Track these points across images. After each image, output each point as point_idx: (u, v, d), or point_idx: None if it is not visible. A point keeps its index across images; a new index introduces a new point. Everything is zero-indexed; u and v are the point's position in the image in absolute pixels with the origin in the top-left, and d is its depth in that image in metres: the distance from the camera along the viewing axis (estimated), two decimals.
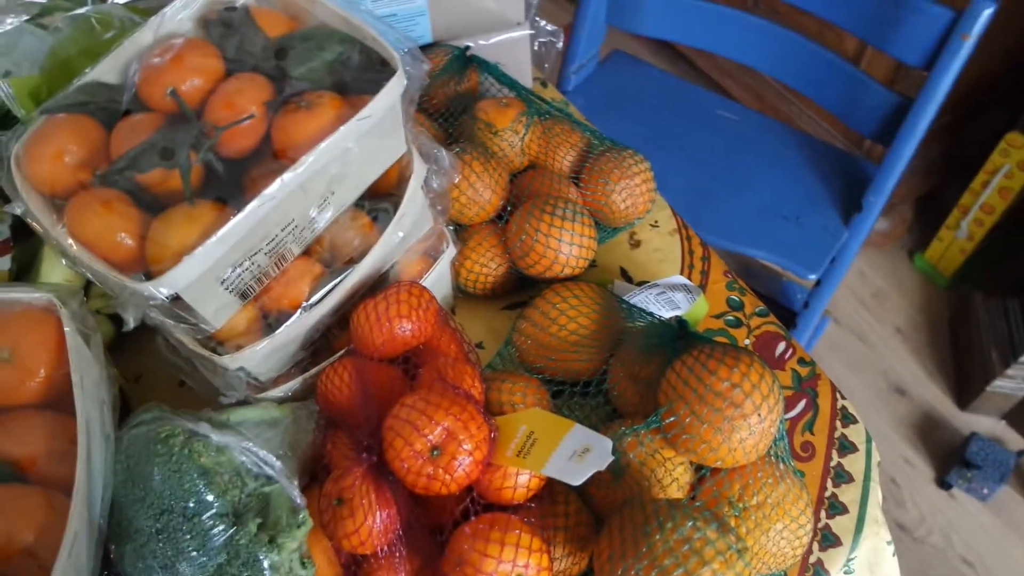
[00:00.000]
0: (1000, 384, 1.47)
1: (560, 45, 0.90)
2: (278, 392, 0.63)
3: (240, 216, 0.50)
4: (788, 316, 1.28)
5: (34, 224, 0.51)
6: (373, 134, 0.56)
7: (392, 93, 0.54)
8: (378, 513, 0.53)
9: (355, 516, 0.53)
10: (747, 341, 0.76)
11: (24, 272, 0.70)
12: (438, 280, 0.72)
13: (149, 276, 0.49)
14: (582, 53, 1.28)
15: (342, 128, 0.52)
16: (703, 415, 0.55)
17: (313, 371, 0.64)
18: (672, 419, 0.57)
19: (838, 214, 1.16)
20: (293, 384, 0.64)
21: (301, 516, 0.55)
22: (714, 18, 1.18)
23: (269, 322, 0.60)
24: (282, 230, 0.55)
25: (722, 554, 0.49)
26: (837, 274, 1.16)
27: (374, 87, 0.54)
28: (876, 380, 1.64)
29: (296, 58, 0.54)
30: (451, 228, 0.73)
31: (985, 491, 1.43)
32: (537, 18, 0.89)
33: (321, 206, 0.57)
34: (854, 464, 0.68)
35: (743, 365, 0.57)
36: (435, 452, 0.53)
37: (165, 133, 0.52)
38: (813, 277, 1.12)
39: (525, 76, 0.93)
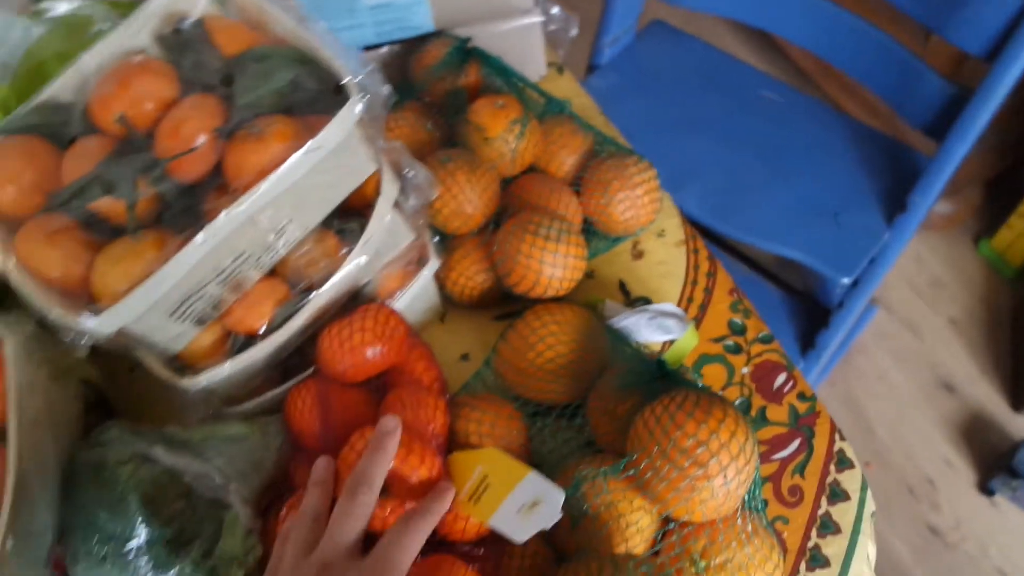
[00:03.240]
0: None
1: (573, 33, 0.84)
2: (248, 406, 0.63)
3: (181, 254, 0.49)
4: (823, 314, 1.21)
5: None
6: (330, 160, 0.53)
7: (345, 121, 0.51)
8: None
9: None
10: (745, 370, 0.71)
11: None
12: (420, 293, 0.70)
13: (95, 312, 0.49)
14: (617, 23, 1.21)
15: (289, 161, 0.50)
16: (663, 472, 0.53)
17: (281, 389, 0.63)
18: (632, 472, 0.54)
19: (881, 212, 1.08)
20: (262, 399, 0.63)
21: (250, 542, 0.55)
22: None
23: (235, 344, 0.60)
24: (233, 261, 0.53)
25: None
26: (876, 275, 1.09)
27: (332, 109, 0.52)
28: (923, 374, 1.55)
29: (247, 82, 0.51)
30: (436, 239, 0.70)
31: None
32: (550, 3, 0.83)
33: (280, 232, 0.55)
34: (844, 515, 0.64)
35: (713, 420, 0.53)
36: (383, 492, 0.52)
37: (111, 162, 0.50)
38: (847, 281, 1.05)
39: (536, 66, 0.88)
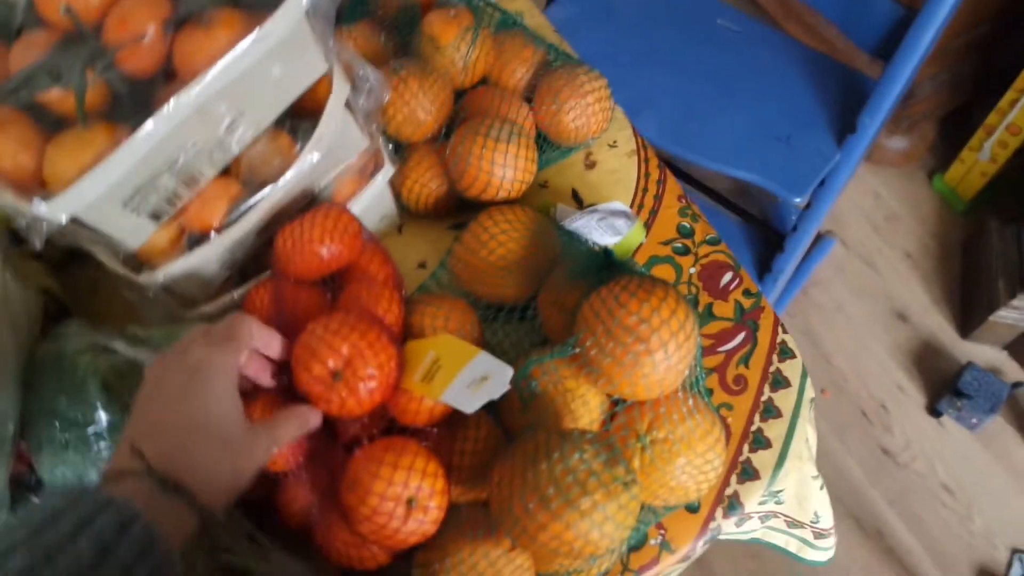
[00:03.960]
0: (1004, 314, 1.43)
1: None
2: (206, 309, 0.65)
3: (131, 140, 0.49)
4: (779, 240, 1.24)
5: None
6: (280, 53, 0.54)
7: (292, 11, 0.52)
8: None
9: None
10: (692, 269, 0.74)
11: None
12: (376, 199, 0.71)
13: (45, 197, 0.50)
14: None
15: (238, 48, 0.51)
16: (608, 349, 0.55)
17: (240, 291, 0.65)
18: (578, 350, 0.57)
19: (832, 134, 1.10)
20: (222, 301, 0.65)
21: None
22: None
23: (190, 242, 0.61)
24: (185, 153, 0.54)
25: (605, 486, 0.50)
26: (827, 198, 1.12)
27: (280, 3, 0.52)
28: (879, 305, 1.60)
29: None
30: (391, 146, 0.72)
31: (974, 420, 1.41)
32: None
33: (231, 127, 0.56)
34: (784, 400, 0.68)
35: (655, 299, 0.55)
36: (336, 377, 0.54)
37: (57, 52, 0.51)
38: (799, 200, 1.08)
39: None
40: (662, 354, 0.55)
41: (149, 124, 0.50)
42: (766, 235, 1.30)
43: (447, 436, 0.59)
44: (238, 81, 0.53)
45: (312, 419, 0.53)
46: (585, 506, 0.49)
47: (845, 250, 1.67)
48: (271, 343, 0.55)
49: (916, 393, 1.51)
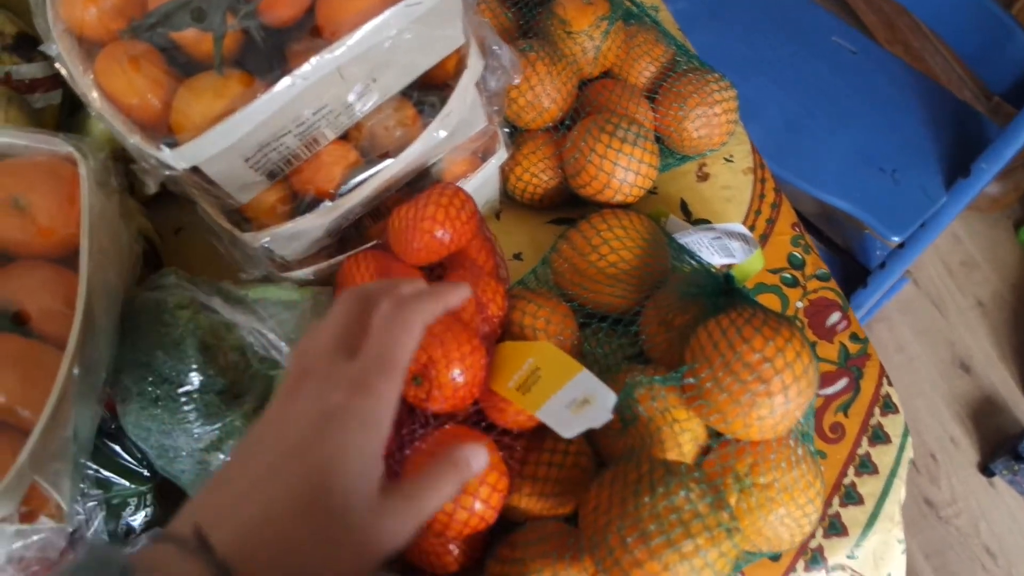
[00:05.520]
0: None
1: None
2: (301, 273, 0.62)
3: (267, 95, 0.47)
4: (861, 273, 1.19)
5: (62, 69, 0.49)
6: (425, 21, 0.51)
7: None
8: None
9: None
10: (799, 303, 0.70)
11: (78, 108, 0.69)
12: (484, 183, 0.68)
13: (172, 144, 0.47)
14: None
15: (388, 11, 0.48)
16: (725, 384, 0.52)
17: (339, 258, 0.62)
18: (692, 381, 0.53)
19: (941, 175, 1.05)
20: (318, 267, 0.62)
21: None
22: None
23: (297, 204, 0.58)
24: (314, 113, 0.51)
25: (710, 530, 0.47)
26: (924, 240, 1.07)
27: None
28: (942, 351, 1.55)
29: None
30: (506, 130, 0.68)
31: None
32: None
33: (361, 92, 0.53)
34: (882, 456, 0.64)
35: (780, 339, 0.52)
36: (417, 380, 0.51)
37: None
38: (897, 240, 1.03)
39: None
40: (782, 397, 0.51)
41: (287, 80, 0.47)
42: (847, 266, 1.25)
43: (535, 444, 0.56)
44: (379, 45, 0.50)
45: (475, 463, 0.38)
46: (687, 549, 0.46)
47: (916, 290, 1.61)
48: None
49: (969, 448, 1.46)
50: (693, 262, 0.64)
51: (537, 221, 0.74)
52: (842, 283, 1.25)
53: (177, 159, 0.47)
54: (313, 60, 0.47)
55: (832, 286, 0.71)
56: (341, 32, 0.48)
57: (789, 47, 1.16)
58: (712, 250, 0.68)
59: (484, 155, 0.66)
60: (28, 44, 0.64)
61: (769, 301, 0.70)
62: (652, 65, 0.73)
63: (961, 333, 1.57)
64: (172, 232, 0.74)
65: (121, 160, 0.57)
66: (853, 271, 1.22)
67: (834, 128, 1.09)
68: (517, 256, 0.72)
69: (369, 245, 0.61)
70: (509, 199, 0.73)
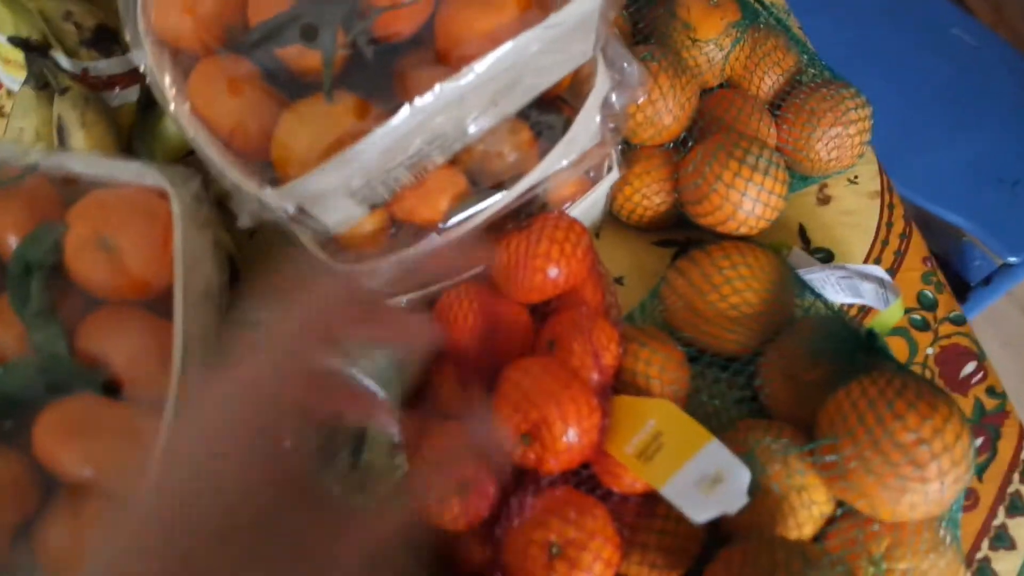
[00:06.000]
0: None
1: None
2: (394, 302, 0.57)
3: (383, 128, 0.41)
4: (959, 287, 1.11)
5: (153, 87, 0.44)
6: (561, 40, 0.45)
7: None
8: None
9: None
10: (930, 350, 0.64)
11: (152, 104, 0.64)
12: (592, 205, 0.62)
13: (272, 180, 0.42)
14: None
15: (525, 34, 0.41)
16: (873, 465, 0.46)
17: (437, 287, 0.57)
18: (833, 458, 0.48)
19: None
20: (410, 297, 0.57)
21: (398, 460, 0.50)
22: None
23: (395, 232, 0.53)
24: (428, 143, 0.46)
25: None
26: None
27: None
28: None
29: None
30: (619, 147, 0.62)
31: None
32: None
33: (478, 117, 0.47)
34: (1021, 529, 0.58)
35: (939, 418, 0.46)
36: (525, 439, 0.47)
37: (310, 4, 0.42)
38: (1014, 260, 0.95)
39: None
40: (937, 485, 0.46)
41: (405, 110, 0.41)
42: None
43: (646, 509, 0.52)
44: (509, 71, 0.44)
45: None
46: None
47: (1007, 297, 1.51)
48: None
49: None
50: (820, 306, 0.58)
51: (642, 242, 0.68)
52: None
53: (282, 198, 0.42)
54: (436, 88, 0.41)
55: (967, 331, 0.65)
56: (463, 52, 0.42)
57: (902, 38, 1.06)
58: (838, 288, 0.61)
59: (594, 176, 0.60)
60: (108, 38, 0.59)
61: (895, 344, 0.64)
62: (777, 76, 0.66)
63: None
64: (247, 236, 0.69)
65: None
66: (948, 281, 1.13)
67: (950, 130, 1.00)
68: (618, 280, 0.66)
69: (469, 275, 0.56)
70: (612, 217, 0.67)
